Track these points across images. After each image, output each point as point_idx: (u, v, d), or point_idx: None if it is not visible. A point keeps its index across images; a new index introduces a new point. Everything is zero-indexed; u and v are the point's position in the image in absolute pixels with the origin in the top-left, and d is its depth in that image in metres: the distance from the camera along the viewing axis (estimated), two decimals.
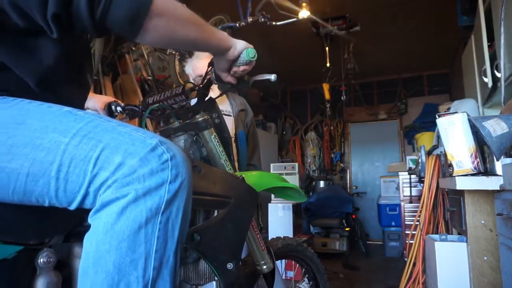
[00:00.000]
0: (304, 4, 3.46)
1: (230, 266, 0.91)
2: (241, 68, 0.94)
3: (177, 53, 3.37)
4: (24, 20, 0.63)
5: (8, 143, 0.60)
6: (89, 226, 0.67)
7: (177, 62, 3.32)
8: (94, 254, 0.58)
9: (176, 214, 0.62)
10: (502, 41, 1.94)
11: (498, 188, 1.44)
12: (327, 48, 4.34)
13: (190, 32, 0.75)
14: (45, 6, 0.59)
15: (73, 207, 0.62)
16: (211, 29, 0.83)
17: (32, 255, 0.66)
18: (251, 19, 3.14)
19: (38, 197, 0.61)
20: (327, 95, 4.91)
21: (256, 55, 0.92)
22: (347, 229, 4.61)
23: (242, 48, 0.91)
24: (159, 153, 0.62)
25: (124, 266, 0.57)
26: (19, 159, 0.59)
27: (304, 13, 3.49)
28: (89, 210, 0.62)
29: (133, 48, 3.46)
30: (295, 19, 3.39)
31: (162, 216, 0.60)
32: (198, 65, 2.09)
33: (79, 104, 0.85)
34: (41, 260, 0.66)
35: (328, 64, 4.40)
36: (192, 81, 1.97)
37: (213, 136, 1.06)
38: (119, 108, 1.22)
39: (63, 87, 0.76)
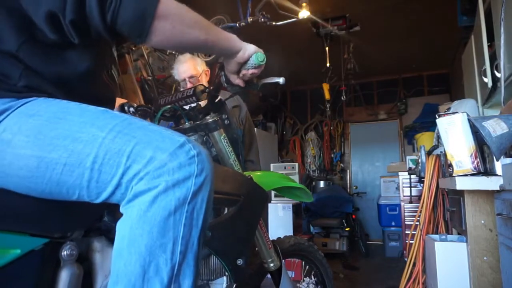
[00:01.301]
0: (304, 4, 3.46)
1: (240, 262, 0.94)
2: (250, 71, 0.96)
3: (177, 53, 3.37)
4: (55, 33, 0.69)
5: (50, 135, 0.66)
6: (105, 223, 0.75)
7: None
8: (129, 237, 0.64)
9: (201, 205, 0.68)
10: (502, 41, 1.95)
11: (498, 188, 1.45)
12: (327, 48, 4.34)
13: (199, 34, 0.78)
14: (64, 13, 0.66)
15: (100, 199, 0.67)
16: (219, 31, 0.86)
17: (56, 248, 0.71)
18: (251, 19, 3.14)
19: (69, 189, 0.66)
20: (327, 95, 4.92)
21: (265, 60, 0.94)
22: (347, 229, 4.62)
23: (252, 52, 0.93)
24: (187, 149, 0.68)
25: (154, 249, 0.63)
26: (59, 150, 0.65)
27: (304, 13, 3.49)
28: (110, 206, 0.67)
29: (133, 48, 3.45)
30: (295, 19, 3.39)
31: (189, 205, 0.66)
32: (180, 69, 2.09)
33: (113, 101, 0.92)
34: (65, 252, 0.72)
35: (328, 64, 4.39)
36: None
37: (222, 137, 1.10)
38: (131, 109, 1.24)
39: (99, 89, 0.83)
